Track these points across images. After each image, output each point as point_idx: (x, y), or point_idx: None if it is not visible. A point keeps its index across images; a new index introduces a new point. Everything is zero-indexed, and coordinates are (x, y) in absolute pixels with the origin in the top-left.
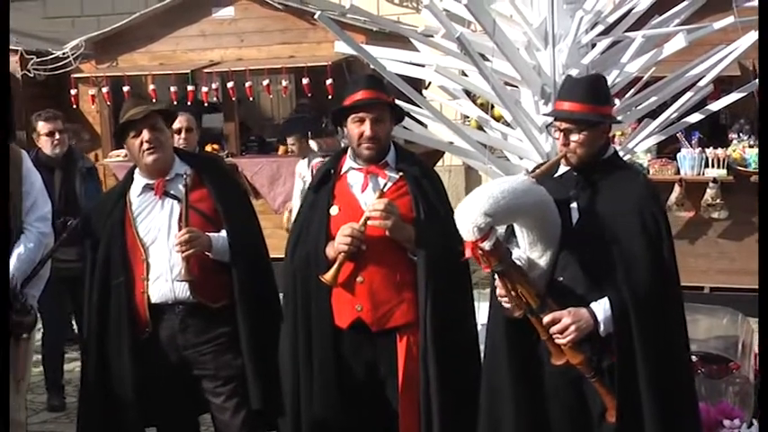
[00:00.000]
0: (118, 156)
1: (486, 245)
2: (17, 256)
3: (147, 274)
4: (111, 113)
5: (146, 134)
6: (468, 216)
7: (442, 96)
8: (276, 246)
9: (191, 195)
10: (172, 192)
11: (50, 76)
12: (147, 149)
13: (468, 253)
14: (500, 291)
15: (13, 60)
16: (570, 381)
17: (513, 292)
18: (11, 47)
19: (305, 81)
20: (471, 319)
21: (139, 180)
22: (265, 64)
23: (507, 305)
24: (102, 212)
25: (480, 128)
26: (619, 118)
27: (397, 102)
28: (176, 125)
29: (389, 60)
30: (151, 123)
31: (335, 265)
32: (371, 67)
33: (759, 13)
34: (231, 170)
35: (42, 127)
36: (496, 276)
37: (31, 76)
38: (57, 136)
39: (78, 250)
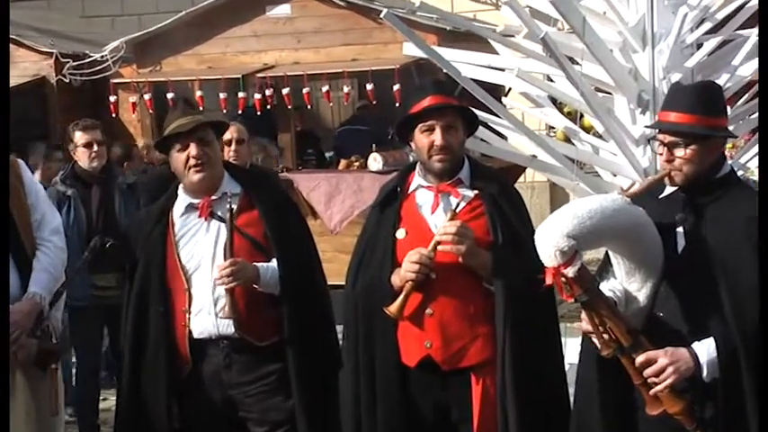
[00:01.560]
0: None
1: (570, 271)
2: (39, 274)
3: (189, 307)
4: (153, 123)
5: (193, 149)
6: (550, 238)
7: (523, 104)
8: (336, 271)
9: (239, 218)
10: (219, 213)
11: (87, 82)
12: (194, 167)
13: (548, 280)
14: (585, 325)
15: (47, 64)
16: None
17: (600, 327)
18: (45, 49)
19: (369, 87)
20: (557, 357)
21: (183, 198)
22: (325, 68)
23: (595, 341)
24: (140, 231)
25: (567, 140)
26: (730, 128)
27: (471, 109)
28: (226, 136)
29: (464, 64)
30: (199, 136)
31: (402, 296)
32: (444, 71)
33: (759, 13)
34: (286, 187)
35: (80, 137)
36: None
37: (67, 81)
38: (95, 147)
39: (118, 276)
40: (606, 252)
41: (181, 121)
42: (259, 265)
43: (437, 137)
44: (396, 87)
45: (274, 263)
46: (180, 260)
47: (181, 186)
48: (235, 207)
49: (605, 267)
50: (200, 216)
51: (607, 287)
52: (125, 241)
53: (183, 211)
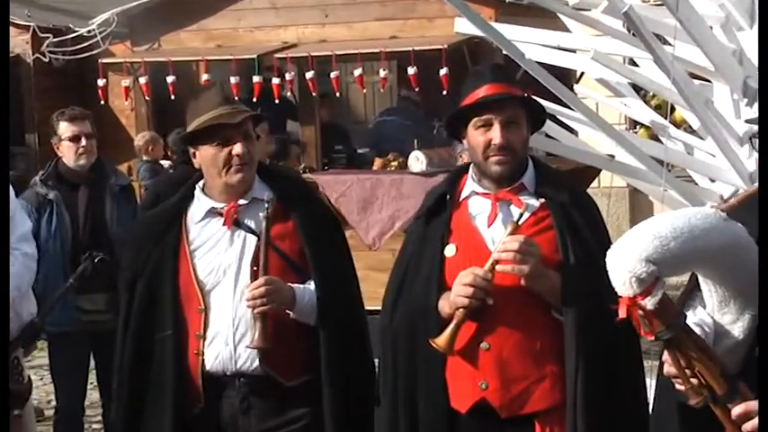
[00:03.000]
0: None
1: (649, 302)
2: None
3: (204, 331)
4: (149, 112)
5: (239, 147)
6: (625, 262)
7: (600, 93)
8: (370, 294)
9: (271, 230)
10: (246, 222)
11: (71, 62)
12: (237, 165)
13: (622, 313)
14: (669, 368)
15: (23, 40)
16: None
17: (687, 371)
18: (21, 22)
19: (411, 71)
20: (640, 403)
21: (203, 200)
22: (358, 47)
23: (680, 387)
24: (146, 238)
25: (655, 137)
26: None
27: (538, 100)
28: None
29: (528, 44)
30: (246, 131)
31: (452, 326)
32: (504, 52)
33: (759, 13)
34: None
35: (65, 129)
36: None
37: (46, 60)
38: (83, 142)
39: (108, 297)
40: (693, 274)
41: (223, 109)
42: (295, 286)
43: (495, 134)
44: (443, 72)
45: (311, 286)
46: (195, 274)
47: (200, 187)
48: (272, 214)
49: (692, 293)
50: (223, 224)
51: (694, 319)
52: (123, 252)
53: (201, 216)
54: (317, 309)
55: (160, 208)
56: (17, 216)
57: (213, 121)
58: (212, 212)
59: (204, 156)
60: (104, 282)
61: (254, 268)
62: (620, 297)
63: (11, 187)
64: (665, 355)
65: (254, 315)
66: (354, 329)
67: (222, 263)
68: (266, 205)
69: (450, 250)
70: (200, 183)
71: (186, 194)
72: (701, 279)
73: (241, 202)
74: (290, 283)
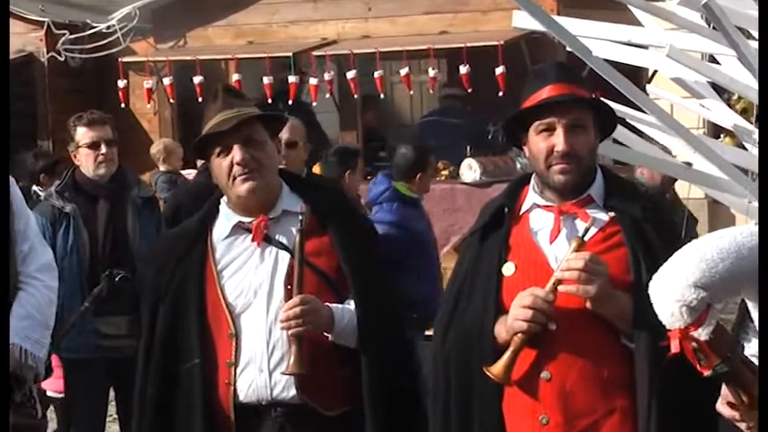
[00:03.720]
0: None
1: (703, 333)
2: (20, 321)
3: (236, 358)
4: (175, 115)
5: (237, 153)
6: (671, 291)
7: (675, 94)
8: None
9: (305, 245)
10: (278, 238)
11: (89, 61)
12: (241, 175)
13: (674, 347)
14: (725, 409)
15: (36, 37)
16: None
17: (747, 406)
18: (34, 17)
19: (463, 69)
20: None
21: (228, 216)
22: (404, 44)
23: (741, 425)
24: (168, 258)
25: (740, 145)
26: None
27: (607, 102)
28: None
29: (595, 39)
30: (246, 135)
31: (509, 353)
32: (568, 49)
33: (759, 13)
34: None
35: (83, 135)
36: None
37: (62, 60)
38: (103, 149)
39: (131, 320)
40: (742, 304)
41: (223, 115)
42: (333, 306)
43: (559, 139)
44: (499, 71)
45: (350, 305)
46: (224, 296)
47: (224, 201)
48: (306, 227)
49: (743, 324)
50: (252, 240)
51: (750, 351)
52: (143, 273)
53: (227, 232)
54: (358, 330)
55: (182, 225)
56: (37, 245)
57: (212, 130)
58: (239, 228)
59: (214, 169)
60: (125, 303)
61: (288, 287)
62: (671, 330)
63: (26, 205)
64: (724, 391)
65: (290, 338)
66: (400, 354)
67: (252, 283)
68: (300, 218)
69: (508, 269)
70: (225, 197)
71: (211, 210)
72: (750, 306)
73: (271, 215)
74: (327, 303)
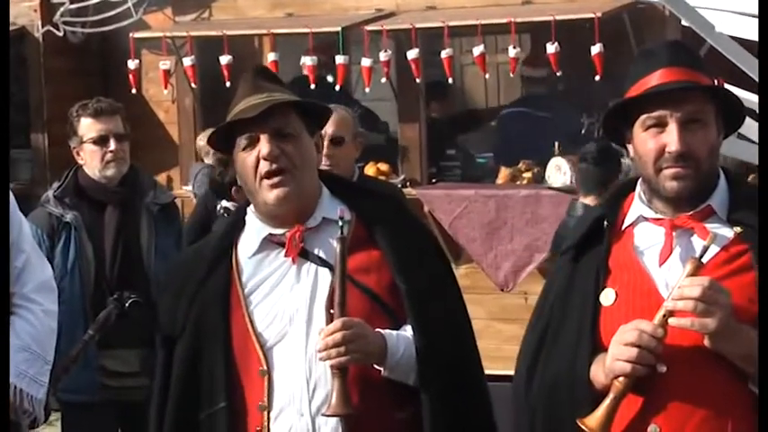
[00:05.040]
0: None
1: None
2: (12, 352)
3: (269, 400)
4: (197, 104)
5: (265, 146)
6: None
7: None
8: (493, 353)
9: (349, 259)
10: (317, 252)
11: (93, 36)
12: (268, 176)
13: None
14: None
15: (29, 7)
16: None
17: None
18: None
19: (551, 48)
20: None
21: (256, 227)
22: (478, 16)
23: None
24: (186, 282)
25: None
26: None
27: (732, 90)
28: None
29: (718, 11)
30: (276, 126)
31: (608, 402)
32: (683, 23)
33: (759, 13)
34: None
35: (88, 128)
36: None
37: (60, 35)
38: (112, 145)
39: (143, 355)
40: None
41: (250, 100)
42: (386, 333)
43: (671, 137)
44: (596, 50)
45: (407, 332)
46: (253, 326)
47: (251, 210)
48: (349, 238)
49: None
50: (286, 255)
51: None
52: (159, 298)
53: (255, 248)
54: (418, 364)
55: (203, 241)
56: (34, 259)
57: (235, 118)
58: (270, 242)
59: (238, 166)
60: (137, 334)
61: (331, 312)
62: None
63: (19, 211)
64: None
65: (332, 371)
66: (470, 394)
67: (287, 308)
68: (340, 224)
69: (607, 297)
70: (251, 205)
71: (236, 221)
72: None
73: (307, 225)
74: (378, 329)
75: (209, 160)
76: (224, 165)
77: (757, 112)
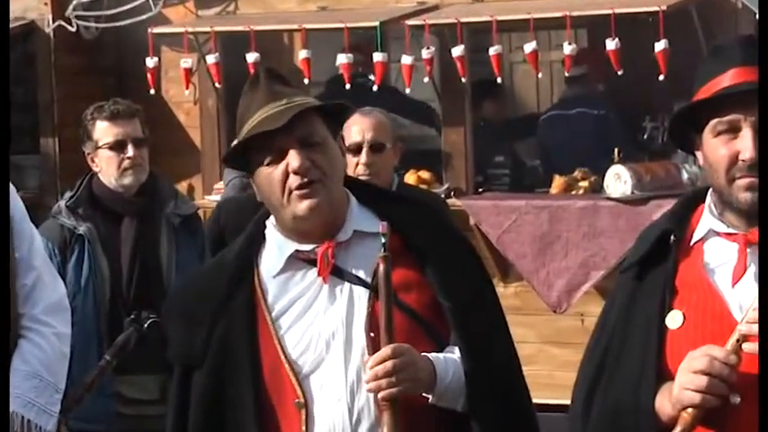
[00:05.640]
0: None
1: None
2: (20, 380)
3: None
4: (222, 105)
5: (295, 158)
6: None
7: None
8: (545, 380)
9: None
10: (350, 269)
11: (108, 32)
12: (299, 188)
13: None
14: None
15: (40, 0)
16: None
17: None
18: None
19: (610, 44)
20: None
21: (279, 243)
22: (530, 10)
23: None
24: (202, 305)
25: None
26: None
27: None
28: (352, 136)
29: None
30: (303, 135)
31: None
32: (756, 16)
33: (759, 13)
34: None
35: (104, 132)
36: None
37: (73, 30)
38: (130, 151)
39: (163, 381)
40: None
41: (269, 109)
42: (433, 357)
43: (746, 144)
44: (660, 46)
45: (454, 354)
46: (285, 353)
47: (271, 223)
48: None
49: None
50: (319, 274)
51: None
52: (168, 322)
53: (280, 266)
54: (467, 388)
55: (218, 258)
56: (45, 276)
57: (258, 130)
58: (297, 260)
59: (260, 182)
60: (156, 357)
61: (372, 335)
62: None
63: (30, 222)
64: None
65: (380, 403)
66: (519, 419)
67: (323, 332)
68: (383, 241)
69: (674, 319)
70: (272, 218)
71: (254, 236)
72: None
73: (338, 239)
74: (424, 353)
75: None
76: None
77: None
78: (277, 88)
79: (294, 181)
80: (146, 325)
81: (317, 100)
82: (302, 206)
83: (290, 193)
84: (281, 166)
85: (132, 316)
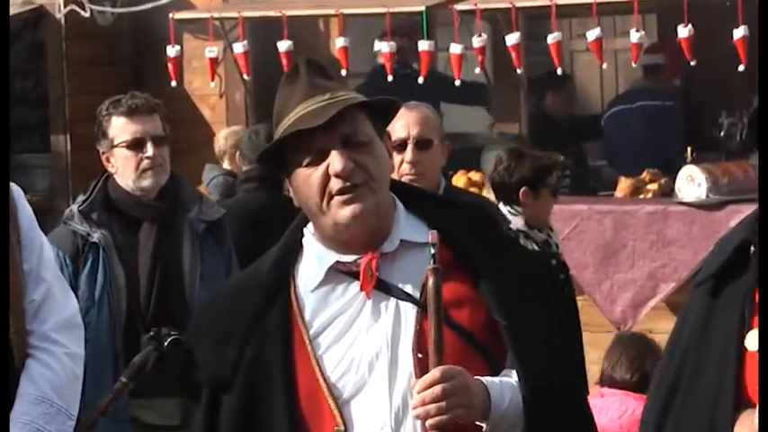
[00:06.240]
0: None
1: None
2: (27, 405)
3: None
4: (251, 98)
5: (337, 160)
6: None
7: None
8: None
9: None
10: (396, 283)
11: (124, 17)
12: (340, 193)
13: None
14: None
15: None
16: None
17: None
18: None
19: (683, 32)
20: None
21: (318, 253)
22: None
23: None
24: (233, 322)
25: None
26: None
27: None
28: (398, 131)
29: None
30: (346, 134)
31: None
32: None
33: (759, 13)
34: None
35: (121, 129)
36: None
37: (86, 15)
38: (149, 150)
39: (184, 404)
40: None
41: (309, 104)
42: (487, 381)
43: None
44: (739, 33)
45: (511, 378)
46: (324, 376)
47: (310, 232)
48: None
49: None
50: (361, 289)
51: None
52: (194, 340)
53: (320, 279)
54: (525, 416)
55: (250, 270)
56: (56, 290)
57: (296, 127)
58: (337, 272)
59: (297, 185)
60: (177, 380)
61: (420, 356)
62: None
63: (39, 230)
64: None
65: (429, 431)
66: None
67: (365, 353)
68: (432, 252)
69: (754, 339)
70: (311, 224)
71: (290, 245)
72: None
73: (384, 249)
74: (478, 377)
75: (228, 165)
76: (516, 156)
77: None
78: (318, 81)
79: (336, 185)
80: (166, 343)
81: (361, 95)
82: (344, 213)
83: (331, 197)
84: (322, 167)
85: (151, 333)
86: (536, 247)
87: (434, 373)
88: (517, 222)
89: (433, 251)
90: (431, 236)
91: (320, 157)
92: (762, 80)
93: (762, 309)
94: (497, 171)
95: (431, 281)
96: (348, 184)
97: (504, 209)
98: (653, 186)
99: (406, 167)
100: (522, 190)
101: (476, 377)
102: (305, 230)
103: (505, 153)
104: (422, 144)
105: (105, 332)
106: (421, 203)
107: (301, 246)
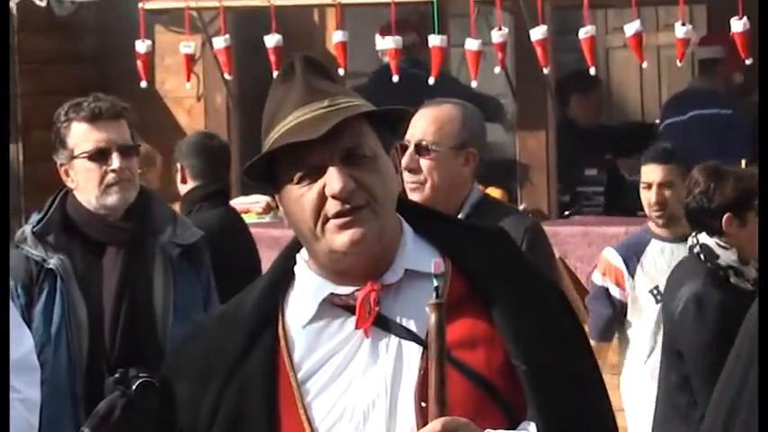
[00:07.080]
0: (249, 209)
1: None
2: None
3: None
4: (234, 102)
5: (336, 179)
6: None
7: None
8: None
9: (448, 330)
10: (399, 319)
11: (86, 7)
12: (337, 216)
13: None
14: None
15: None
16: None
17: None
18: None
19: (736, 26)
20: None
21: (312, 284)
22: None
23: None
24: (212, 361)
25: None
26: None
27: None
28: (407, 132)
29: None
30: (347, 148)
31: None
32: None
33: (759, 13)
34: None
35: (82, 137)
36: None
37: (43, 4)
38: (115, 162)
39: None
40: None
41: (305, 111)
42: None
43: None
44: None
45: (528, 429)
46: (311, 426)
47: (303, 259)
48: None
49: None
50: (357, 326)
51: None
52: (168, 383)
53: (312, 313)
54: None
55: (237, 300)
56: (14, 323)
57: (290, 140)
58: (333, 305)
59: (287, 204)
60: (147, 429)
61: (423, 405)
62: None
63: None
64: None
65: None
66: None
67: (360, 401)
68: (435, 284)
69: None
70: (304, 250)
71: (281, 271)
72: None
73: (386, 280)
74: (490, 430)
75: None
76: (716, 176)
77: None
78: (317, 84)
79: (332, 207)
80: (134, 387)
81: (367, 102)
82: (341, 239)
83: (327, 221)
84: (317, 186)
85: (117, 375)
86: (749, 287)
87: (434, 425)
88: (728, 257)
89: (436, 283)
90: (434, 266)
91: (316, 174)
92: (762, 82)
93: (762, 310)
94: (693, 195)
95: (432, 318)
96: (347, 206)
97: (709, 241)
98: None
99: (411, 185)
100: (725, 217)
101: (487, 431)
102: (298, 257)
103: (701, 173)
104: (422, 148)
105: (63, 374)
106: (433, 227)
107: (293, 274)
